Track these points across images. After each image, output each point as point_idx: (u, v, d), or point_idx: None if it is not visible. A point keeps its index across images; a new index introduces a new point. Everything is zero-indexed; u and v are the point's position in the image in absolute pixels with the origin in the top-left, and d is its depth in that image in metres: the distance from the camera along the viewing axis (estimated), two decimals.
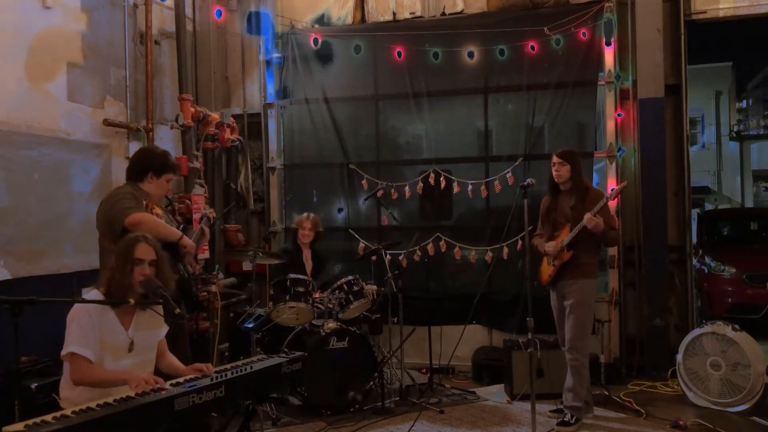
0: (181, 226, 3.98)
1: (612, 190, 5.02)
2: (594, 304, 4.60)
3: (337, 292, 5.06)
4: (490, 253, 6.01)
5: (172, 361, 3.11)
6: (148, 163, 3.75)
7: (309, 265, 5.52)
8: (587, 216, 4.29)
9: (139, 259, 2.88)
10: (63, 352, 2.73)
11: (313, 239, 5.58)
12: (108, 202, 3.63)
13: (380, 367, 4.93)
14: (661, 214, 5.75)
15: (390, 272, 5.18)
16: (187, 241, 3.71)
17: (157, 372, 2.95)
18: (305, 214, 5.64)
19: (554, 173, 4.53)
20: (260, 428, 4.34)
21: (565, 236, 4.49)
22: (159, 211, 3.73)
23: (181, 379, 2.75)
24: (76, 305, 2.79)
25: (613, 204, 5.15)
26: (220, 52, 6.77)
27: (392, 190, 6.25)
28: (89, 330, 2.72)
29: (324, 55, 6.46)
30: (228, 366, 2.93)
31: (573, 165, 4.49)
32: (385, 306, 5.20)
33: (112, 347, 2.80)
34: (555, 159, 4.53)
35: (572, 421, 4.42)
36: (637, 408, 4.76)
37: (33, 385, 3.66)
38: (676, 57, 5.94)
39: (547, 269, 4.63)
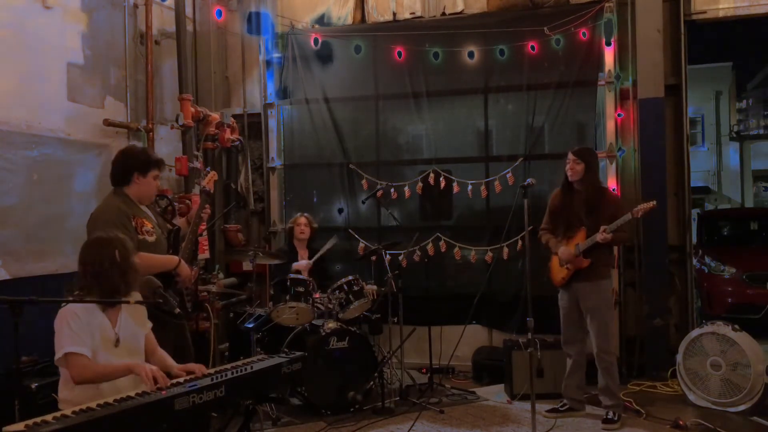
0: (176, 227, 3.89)
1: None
2: (612, 302, 4.67)
3: (337, 292, 5.06)
4: (490, 253, 6.01)
5: (164, 357, 3.09)
6: (130, 164, 3.62)
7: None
8: (601, 235, 4.35)
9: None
10: (57, 356, 2.67)
11: (310, 237, 5.61)
12: (92, 227, 3.42)
13: (380, 367, 4.93)
14: (661, 214, 5.73)
15: (390, 272, 5.18)
16: (183, 270, 3.65)
17: None
18: (298, 213, 5.73)
19: (568, 171, 4.55)
20: (260, 428, 4.35)
21: (580, 241, 4.48)
22: (149, 225, 3.59)
23: (181, 379, 2.74)
24: (62, 308, 2.75)
25: None
26: (220, 52, 6.77)
27: (392, 190, 6.25)
28: (80, 329, 2.70)
29: (324, 55, 6.46)
30: (228, 366, 2.92)
31: (588, 164, 4.50)
32: (385, 306, 5.20)
33: (103, 344, 2.78)
34: (570, 156, 4.55)
35: (615, 418, 4.44)
36: (637, 408, 4.76)
37: (33, 385, 3.65)
38: (676, 57, 5.94)
39: (560, 271, 4.61)
